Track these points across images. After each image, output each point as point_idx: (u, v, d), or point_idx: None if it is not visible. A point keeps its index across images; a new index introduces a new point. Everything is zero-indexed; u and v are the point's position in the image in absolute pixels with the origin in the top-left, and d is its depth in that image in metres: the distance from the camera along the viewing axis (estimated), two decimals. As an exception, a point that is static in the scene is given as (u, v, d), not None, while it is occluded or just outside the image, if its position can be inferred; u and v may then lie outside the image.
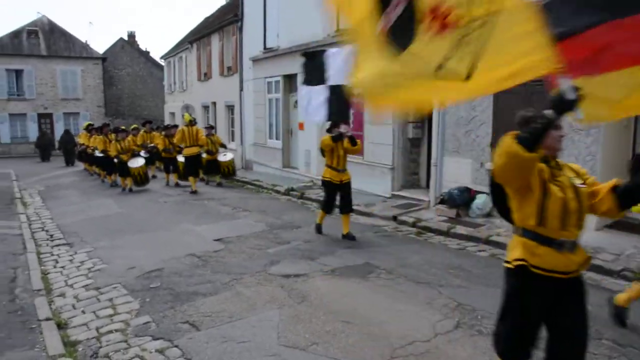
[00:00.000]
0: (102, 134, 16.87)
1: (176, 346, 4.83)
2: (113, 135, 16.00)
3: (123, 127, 17.22)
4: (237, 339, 4.92)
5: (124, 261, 7.76)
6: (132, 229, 10.06)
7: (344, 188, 8.67)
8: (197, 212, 11.49)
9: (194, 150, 14.43)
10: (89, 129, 21.01)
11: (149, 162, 16.96)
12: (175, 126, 17.30)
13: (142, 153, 16.13)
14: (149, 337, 5.08)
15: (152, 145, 17.35)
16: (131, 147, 15.57)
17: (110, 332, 5.27)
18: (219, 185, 15.76)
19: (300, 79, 11.89)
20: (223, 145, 16.07)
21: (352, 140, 8.45)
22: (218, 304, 5.83)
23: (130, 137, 16.21)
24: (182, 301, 5.97)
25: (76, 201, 14.22)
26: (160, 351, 4.76)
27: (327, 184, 8.71)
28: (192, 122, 14.60)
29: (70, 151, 26.40)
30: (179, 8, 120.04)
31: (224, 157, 15.82)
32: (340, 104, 7.94)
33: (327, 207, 8.92)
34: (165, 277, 6.89)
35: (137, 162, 15.07)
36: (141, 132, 18.20)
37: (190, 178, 14.57)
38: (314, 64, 8.25)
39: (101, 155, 16.72)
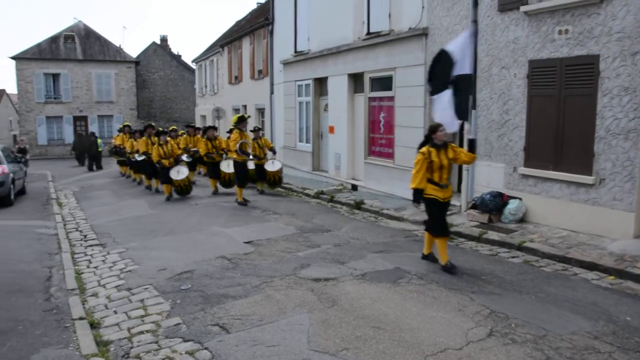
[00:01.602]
0: (146, 135, 15.73)
1: (206, 348, 4.84)
2: (156, 139, 14.87)
3: (161, 129, 15.84)
4: (266, 342, 4.90)
5: (155, 262, 7.84)
6: (163, 231, 10.16)
7: (446, 207, 7.29)
8: (227, 215, 11.55)
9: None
10: (126, 130, 20.27)
11: (191, 167, 15.91)
12: (214, 127, 16.27)
13: (185, 157, 15.14)
14: (179, 338, 5.10)
15: (195, 149, 16.19)
16: (175, 152, 14.52)
17: (142, 332, 5.32)
18: (261, 193, 14.70)
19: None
20: (272, 150, 14.24)
21: (472, 145, 7.32)
22: (248, 307, 5.83)
23: (172, 141, 15.15)
24: (212, 303, 5.99)
25: (109, 202, 14.46)
26: (191, 353, 4.77)
27: (431, 202, 7.11)
28: (240, 127, 13.01)
29: (95, 156, 25.84)
30: (210, 12, 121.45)
31: (272, 166, 14.20)
32: (462, 99, 7.55)
33: (439, 229, 7.17)
34: (195, 279, 6.93)
35: (181, 174, 14.00)
36: (184, 135, 17.18)
37: (238, 189, 13.00)
38: (439, 66, 7.93)
39: (142, 158, 15.73)
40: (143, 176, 17.06)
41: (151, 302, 6.19)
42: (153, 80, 44.52)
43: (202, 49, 35.59)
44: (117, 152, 21.49)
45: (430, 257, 7.55)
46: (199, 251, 8.40)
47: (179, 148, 15.42)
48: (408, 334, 5.00)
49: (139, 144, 16.01)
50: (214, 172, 14.97)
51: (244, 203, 12.70)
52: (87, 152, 26.65)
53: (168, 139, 15.09)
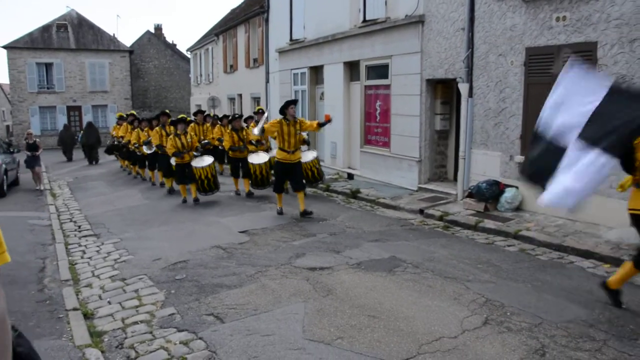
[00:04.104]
0: (159, 125, 13.57)
1: (200, 338, 4.81)
2: (171, 128, 12.48)
3: (178, 117, 12.81)
4: (261, 331, 4.87)
5: (150, 252, 7.79)
6: (157, 221, 10.11)
7: None
8: (222, 204, 11.49)
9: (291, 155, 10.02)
10: (130, 120, 17.49)
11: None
12: (240, 116, 13.61)
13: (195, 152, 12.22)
14: (173, 328, 5.07)
15: (205, 141, 13.87)
16: (194, 145, 12.07)
17: (136, 323, 5.28)
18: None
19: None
20: (306, 142, 11.44)
21: None
22: (243, 297, 5.80)
23: (191, 131, 13.06)
24: (206, 293, 5.96)
25: (103, 192, 14.39)
26: (185, 343, 4.74)
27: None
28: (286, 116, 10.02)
29: (94, 147, 23.80)
30: (205, 0, 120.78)
31: (305, 156, 11.47)
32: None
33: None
34: (190, 269, 6.89)
35: (203, 161, 11.75)
36: (191, 124, 15.01)
37: (300, 194, 10.28)
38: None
39: (152, 151, 13.81)
40: (158, 174, 14.68)
41: (145, 292, 6.15)
42: (147, 70, 44.23)
43: (197, 38, 35.43)
44: (117, 147, 18.99)
45: (614, 294, 5.30)
46: (194, 241, 8.36)
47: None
48: (403, 323, 4.98)
49: (153, 135, 13.71)
50: (240, 169, 12.66)
51: (308, 213, 10.01)
52: (91, 144, 23.99)
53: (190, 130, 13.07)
